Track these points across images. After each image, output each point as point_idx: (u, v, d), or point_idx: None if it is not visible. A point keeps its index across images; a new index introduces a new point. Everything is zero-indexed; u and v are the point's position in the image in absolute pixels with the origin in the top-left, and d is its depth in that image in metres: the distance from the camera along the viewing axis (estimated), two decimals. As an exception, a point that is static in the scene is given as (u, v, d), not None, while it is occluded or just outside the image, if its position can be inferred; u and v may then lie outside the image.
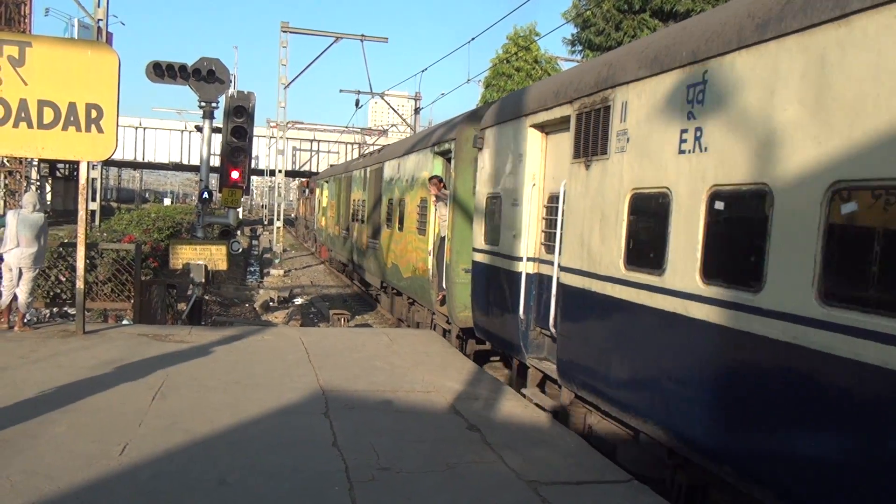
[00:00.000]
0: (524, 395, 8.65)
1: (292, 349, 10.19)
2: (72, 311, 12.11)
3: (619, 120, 6.77)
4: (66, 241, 13.19)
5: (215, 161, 15.01)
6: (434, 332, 12.59)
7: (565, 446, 6.69)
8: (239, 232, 27.95)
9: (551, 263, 8.15)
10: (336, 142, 63.15)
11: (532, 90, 9.32)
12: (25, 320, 10.54)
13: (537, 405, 8.14)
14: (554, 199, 8.37)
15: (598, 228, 7.05)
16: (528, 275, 8.86)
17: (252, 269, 33.41)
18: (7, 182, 49.97)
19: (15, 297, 10.29)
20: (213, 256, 13.08)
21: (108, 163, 52.86)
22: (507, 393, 8.51)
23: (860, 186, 4.22)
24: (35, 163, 52.09)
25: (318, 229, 35.13)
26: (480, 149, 10.51)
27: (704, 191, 5.49)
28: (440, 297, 12.38)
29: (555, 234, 8.09)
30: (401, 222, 15.75)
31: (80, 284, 10.30)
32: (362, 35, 32.83)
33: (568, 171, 7.73)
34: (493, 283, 9.84)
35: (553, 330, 8.08)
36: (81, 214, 10.34)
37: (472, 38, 22.66)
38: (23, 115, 9.60)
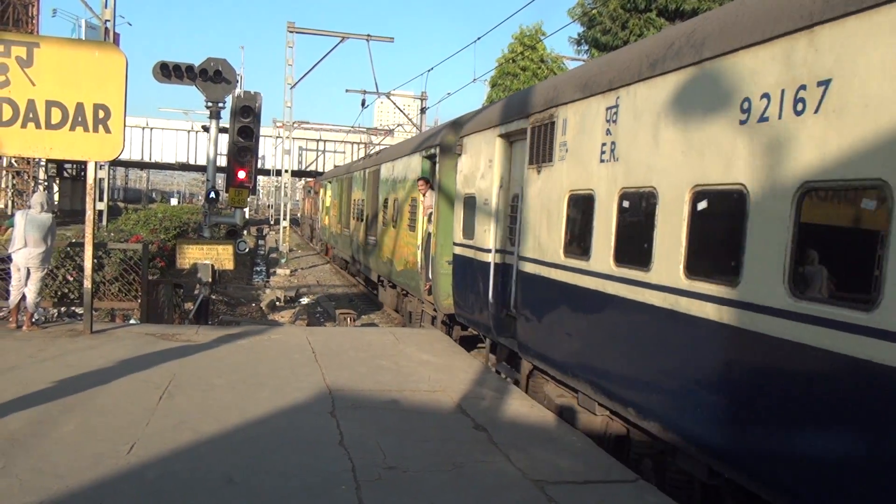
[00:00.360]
0: (498, 372, 9.95)
1: (299, 348, 10.21)
2: (79, 310, 12.15)
3: (560, 133, 8.07)
4: (73, 240, 13.25)
5: (222, 161, 15.05)
6: (439, 332, 12.61)
7: (571, 446, 6.68)
8: (245, 232, 28.06)
9: (513, 254, 9.36)
10: (342, 142, 63.21)
11: (500, 106, 10.63)
12: (34, 320, 10.58)
13: (524, 387, 9.17)
14: (516, 198, 9.54)
15: (545, 223, 8.34)
16: (496, 264, 10.01)
17: (258, 268, 33.49)
18: (15, 182, 50.25)
19: (23, 297, 10.33)
20: (220, 256, 13.12)
21: (115, 163, 53.11)
22: (514, 392, 8.51)
23: (710, 191, 5.56)
24: (43, 163, 52.32)
25: (322, 228, 36.60)
26: (459, 154, 11.74)
27: (616, 192, 6.81)
28: (427, 286, 13.63)
29: (515, 228, 9.32)
30: (395, 220, 17.03)
31: (87, 284, 10.34)
32: (368, 35, 32.87)
33: (525, 175, 9.01)
34: (469, 272, 11.05)
35: (514, 311, 9.29)
36: (89, 214, 10.38)
37: (478, 38, 22.72)
38: (31, 115, 9.64)
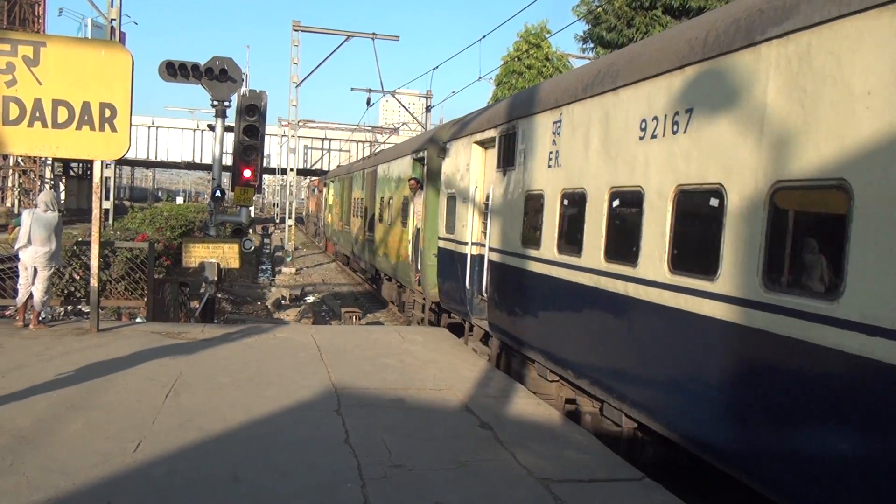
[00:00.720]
0: (474, 350, 11.21)
1: (304, 347, 10.23)
2: (86, 308, 12.20)
3: (520, 142, 9.52)
4: (80, 239, 13.28)
5: (227, 160, 15.07)
6: (445, 330, 12.62)
7: (577, 444, 6.68)
8: (251, 230, 28.12)
9: (485, 245, 10.89)
10: (347, 140, 63.25)
11: (476, 116, 12.12)
12: (40, 318, 10.62)
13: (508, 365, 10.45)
14: (488, 197, 10.83)
15: (509, 218, 9.82)
16: (472, 255, 11.46)
17: (264, 267, 33.55)
18: (21, 181, 50.47)
19: (31, 296, 10.37)
20: (226, 255, 13.14)
21: (121, 162, 53.26)
22: (519, 391, 8.51)
23: (621, 191, 7.04)
24: (49, 162, 52.52)
25: (325, 225, 38.24)
26: (443, 158, 13.21)
27: (559, 192, 8.27)
28: (417, 278, 15.19)
29: (487, 223, 10.81)
30: (390, 217, 18.64)
31: (94, 282, 10.38)
32: (373, 33, 32.89)
33: (494, 177, 10.43)
34: (451, 263, 12.55)
35: (485, 295, 10.89)
36: (95, 213, 10.42)
37: (484, 36, 22.61)
38: (37, 114, 9.67)
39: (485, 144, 11.20)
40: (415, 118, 40.17)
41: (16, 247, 10.29)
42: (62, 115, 9.73)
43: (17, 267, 10.53)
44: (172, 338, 10.33)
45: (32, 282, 10.28)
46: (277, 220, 73.25)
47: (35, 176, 51.28)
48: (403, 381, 8.60)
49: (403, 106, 39.84)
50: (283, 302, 21.82)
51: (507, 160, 9.98)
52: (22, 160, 49.19)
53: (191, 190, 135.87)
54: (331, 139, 65.66)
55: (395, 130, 54.07)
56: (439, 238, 13.32)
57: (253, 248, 16.09)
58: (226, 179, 23.53)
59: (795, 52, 4.91)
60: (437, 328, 13.23)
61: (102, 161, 10.56)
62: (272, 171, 65.11)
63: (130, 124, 10.07)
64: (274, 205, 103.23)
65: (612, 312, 7.08)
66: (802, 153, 4.78)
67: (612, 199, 7.14)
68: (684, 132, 6.02)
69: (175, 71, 13.36)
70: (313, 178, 57.36)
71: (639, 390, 6.64)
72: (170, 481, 5.27)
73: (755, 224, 5.11)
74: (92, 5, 21.65)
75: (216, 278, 13.16)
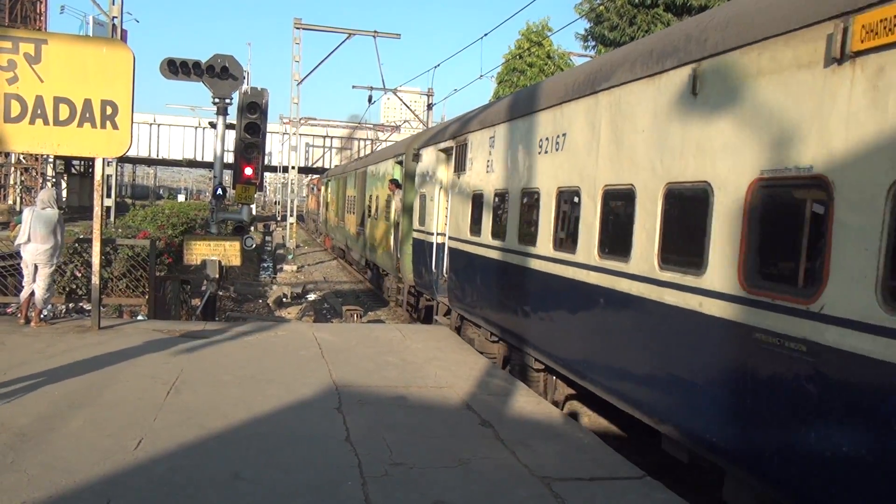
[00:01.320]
0: (436, 321, 13.96)
1: (305, 345, 10.23)
2: (87, 306, 12.20)
3: (469, 152, 11.76)
4: (81, 236, 13.29)
5: (229, 157, 15.07)
6: (446, 329, 12.62)
7: (578, 442, 6.68)
8: (252, 228, 28.18)
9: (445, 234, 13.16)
10: (349, 138, 63.22)
11: (441, 128, 14.83)
12: (42, 316, 10.63)
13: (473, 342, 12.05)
14: (448, 194, 13.14)
15: (461, 212, 11.99)
16: (437, 244, 13.67)
17: (265, 265, 33.55)
18: (23, 178, 50.49)
19: (33, 293, 10.38)
20: (227, 252, 13.14)
21: (122, 159, 53.23)
22: (520, 389, 8.51)
23: (529, 191, 9.17)
24: (51, 159, 52.54)
25: (323, 221, 40.99)
26: (417, 162, 15.50)
27: (492, 192, 10.50)
28: (397, 265, 17.71)
29: (447, 216, 13.06)
30: (376, 213, 21.34)
31: (95, 280, 10.38)
32: (375, 31, 32.85)
33: (452, 179, 12.75)
34: (422, 251, 14.85)
35: (446, 276, 12.97)
36: (97, 211, 10.42)
37: (485, 34, 22.60)
38: (39, 111, 9.66)
39: (446, 152, 13.35)
40: (416, 116, 40.15)
41: (16, 243, 10.31)
42: (64, 112, 9.73)
43: (19, 264, 10.53)
44: (174, 335, 10.33)
45: (34, 279, 10.29)
46: (279, 218, 73.24)
47: (37, 174, 51.32)
48: (404, 379, 8.61)
49: (405, 104, 39.82)
50: (284, 300, 21.83)
51: (460, 165, 12.29)
52: (24, 158, 49.21)
53: (192, 188, 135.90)
54: (332, 137, 65.64)
55: (396, 128, 54.04)
56: (413, 230, 15.67)
57: (254, 245, 16.22)
58: (227, 177, 23.52)
59: (614, 100, 7.18)
60: (439, 326, 13.24)
61: (104, 159, 10.56)
62: (274, 169, 65.05)
63: (132, 122, 10.07)
64: (275, 203, 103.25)
65: (522, 281, 9.35)
66: (615, 167, 7.12)
67: (522, 197, 9.44)
68: (562, 150, 8.33)
69: (176, 68, 13.35)
70: (313, 176, 57.43)
71: (537, 337, 9.00)
72: (171, 479, 5.28)
73: (596, 214, 7.41)
74: (93, 3, 21.66)
75: (217, 276, 13.17)
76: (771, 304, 4.94)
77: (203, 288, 13.34)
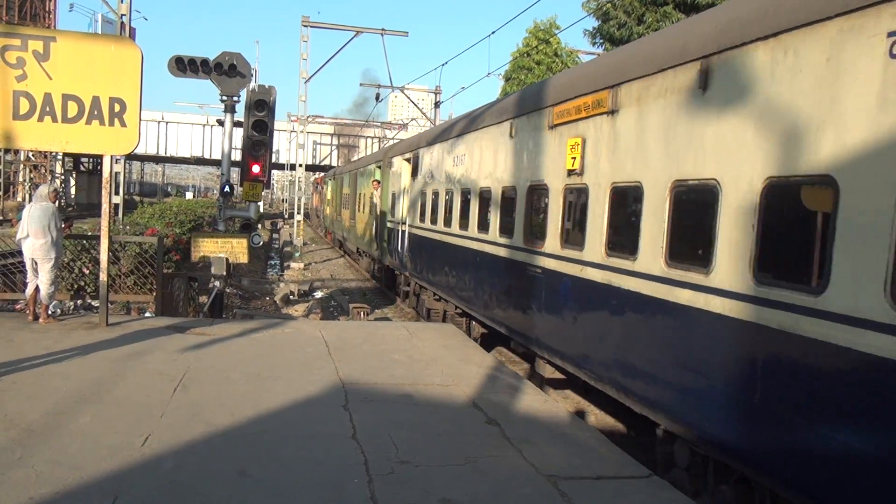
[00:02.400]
0: (401, 292, 19.54)
1: (312, 342, 10.24)
2: (95, 303, 12.24)
3: (421, 162, 16.10)
4: (89, 233, 13.32)
5: (237, 155, 15.09)
6: (453, 327, 12.62)
7: (584, 441, 6.66)
8: (259, 225, 28.25)
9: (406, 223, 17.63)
10: (356, 136, 63.27)
11: (406, 141, 19.72)
12: (50, 312, 10.67)
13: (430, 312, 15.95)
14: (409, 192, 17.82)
15: (416, 206, 16.44)
16: (401, 230, 18.10)
17: (272, 262, 33.61)
18: (32, 176, 50.72)
19: (38, 289, 10.41)
20: (234, 250, 13.16)
21: (130, 157, 53.44)
22: (527, 387, 8.50)
23: (451, 190, 13.55)
24: (59, 157, 52.76)
25: (324, 217, 45.73)
26: (391, 167, 20.06)
27: (430, 190, 14.79)
28: (377, 250, 22.42)
29: (408, 209, 17.46)
30: (363, 208, 25.84)
31: (103, 277, 10.41)
32: (382, 29, 32.86)
33: (410, 182, 17.24)
34: (394, 237, 19.26)
35: (407, 254, 17.32)
36: (105, 208, 10.44)
37: (493, 32, 22.63)
38: (47, 109, 9.69)
39: (408, 160, 17.69)
40: (424, 114, 40.13)
41: (17, 239, 10.37)
42: (72, 109, 9.75)
43: (23, 261, 10.60)
44: (181, 332, 10.36)
45: (35, 274, 10.33)
46: (286, 216, 73.37)
47: (45, 171, 51.56)
48: (411, 376, 8.60)
49: (412, 102, 39.81)
50: (291, 297, 21.86)
51: (415, 172, 16.84)
52: (32, 155, 49.45)
53: (200, 185, 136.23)
54: (340, 135, 65.68)
55: (404, 126, 54.04)
56: (388, 221, 20.23)
57: (261, 243, 16.38)
58: (235, 175, 23.56)
59: (517, 126, 10.20)
60: (446, 324, 13.23)
61: (112, 156, 10.59)
62: (281, 167, 65.21)
63: (140, 119, 10.09)
64: (283, 200, 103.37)
65: (457, 256, 12.91)
66: (477, 172, 11.91)
67: (446, 193, 13.77)
68: (462, 164, 12.81)
69: (184, 66, 13.38)
70: (317, 175, 57.92)
71: (456, 291, 13.06)
72: (177, 476, 5.29)
73: (522, 204, 9.79)
74: (102, 1, 21.71)
75: (225, 273, 13.19)
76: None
77: (210, 285, 13.37)
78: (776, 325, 4.98)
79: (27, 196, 49.53)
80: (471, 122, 12.49)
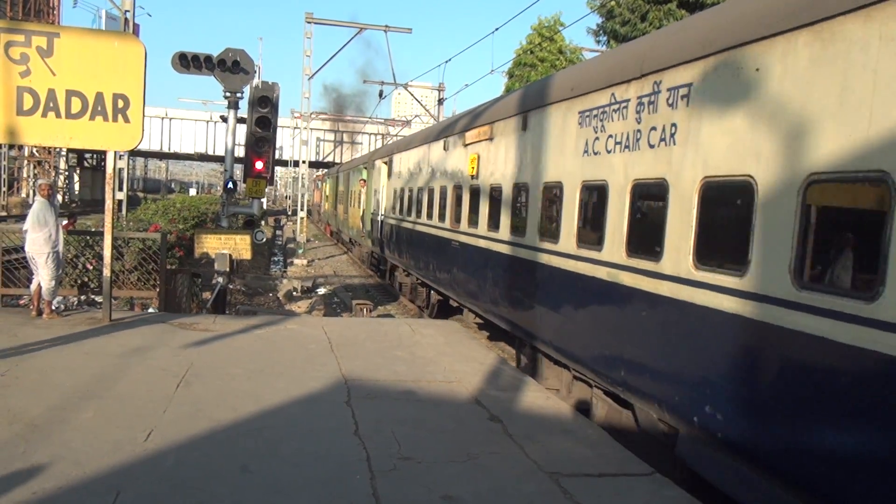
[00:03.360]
0: (380, 271, 25.62)
1: (315, 338, 10.25)
2: (99, 298, 12.26)
3: (395, 167, 20.13)
4: (93, 229, 13.33)
5: (240, 152, 15.10)
6: (456, 323, 12.61)
7: (586, 438, 6.66)
8: (263, 222, 28.37)
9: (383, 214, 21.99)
10: (360, 132, 63.26)
11: (385, 147, 26.48)
12: (53, 307, 10.69)
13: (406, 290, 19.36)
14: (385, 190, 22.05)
15: (390, 201, 20.51)
16: (380, 220, 22.15)
17: (276, 258, 33.63)
18: (36, 171, 50.79)
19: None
20: (238, 246, 13.17)
21: (134, 153, 53.43)
22: (529, 384, 8.50)
23: (414, 189, 17.55)
24: (63, 153, 52.83)
25: (323, 212, 50.25)
26: (371, 168, 24.39)
27: (400, 189, 19.14)
28: (363, 238, 26.75)
29: (385, 203, 21.66)
30: (353, 203, 29.96)
31: (106, 273, 10.43)
32: (386, 26, 32.83)
33: (387, 181, 21.23)
34: (374, 226, 23.37)
35: (384, 240, 21.32)
36: (108, 204, 10.45)
37: (497, 29, 22.59)
38: (51, 104, 9.70)
39: (386, 163, 21.88)
40: (427, 111, 40.09)
41: (23, 229, 10.39)
42: (76, 105, 9.76)
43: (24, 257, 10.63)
44: (184, 328, 10.37)
45: (36, 269, 10.35)
46: (289, 212, 73.40)
47: (50, 167, 51.64)
48: (413, 373, 8.61)
49: (416, 98, 39.78)
50: (294, 293, 21.87)
51: (389, 173, 21.13)
52: (37, 151, 49.52)
53: (204, 181, 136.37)
54: (343, 131, 65.64)
55: (407, 123, 54.02)
56: (370, 213, 24.40)
57: (265, 239, 16.52)
58: (238, 171, 23.57)
59: (449, 143, 13.91)
60: (449, 321, 13.23)
61: (116, 152, 10.60)
62: (284, 164, 65.19)
63: (143, 115, 10.09)
64: (286, 197, 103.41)
65: (413, 239, 16.68)
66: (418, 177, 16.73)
67: (411, 192, 17.24)
68: (416, 168, 16.82)
69: (188, 62, 13.39)
70: (317, 173, 58.40)
71: (416, 265, 16.58)
72: (180, 471, 5.30)
73: (450, 199, 12.81)
74: (106, -3, 21.65)
75: (228, 269, 13.20)
76: None
77: (213, 281, 13.39)
78: (605, 276, 7.40)
79: (31, 192, 49.64)
80: (423, 138, 17.10)
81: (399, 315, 18.64)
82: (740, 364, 5.36)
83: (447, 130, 14.45)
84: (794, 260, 4.85)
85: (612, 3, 26.07)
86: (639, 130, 6.88)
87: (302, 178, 40.77)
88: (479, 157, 12.00)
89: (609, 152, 7.47)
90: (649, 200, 6.98)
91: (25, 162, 51.65)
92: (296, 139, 54.74)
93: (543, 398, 7.92)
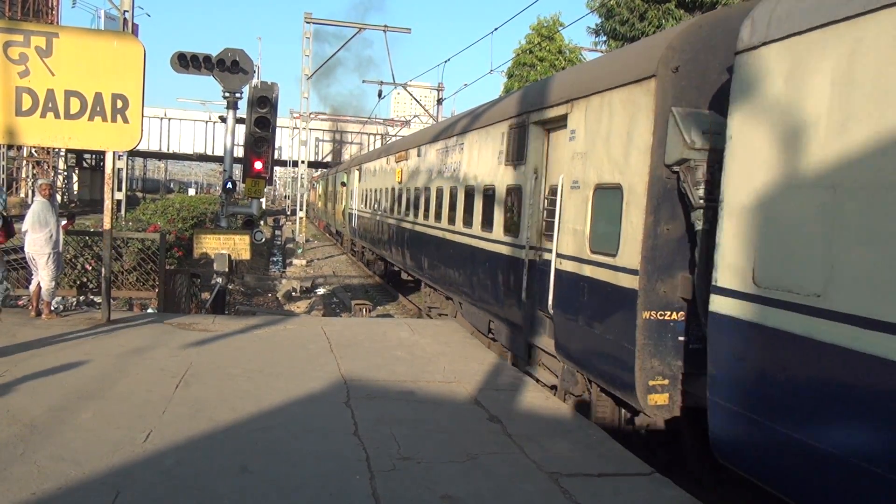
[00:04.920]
0: (355, 252, 32.55)
1: (314, 339, 10.25)
2: (98, 299, 12.26)
3: (362, 174, 27.20)
4: (92, 230, 13.32)
5: (239, 152, 15.08)
6: (455, 324, 12.61)
7: (586, 438, 6.66)
8: (262, 222, 28.51)
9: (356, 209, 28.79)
10: (359, 132, 63.26)
11: (359, 157, 37.17)
12: (52, 308, 10.68)
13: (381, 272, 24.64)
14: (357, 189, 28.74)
15: (362, 197, 26.72)
16: (353, 213, 29.00)
17: (275, 258, 33.65)
18: (35, 172, 50.73)
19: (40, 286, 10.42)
20: (237, 246, 13.16)
21: (133, 153, 53.36)
22: (529, 384, 8.50)
23: (370, 190, 25.51)
24: (62, 153, 52.77)
25: (317, 209, 54.80)
26: (349, 174, 30.43)
27: (365, 189, 26.20)
28: (344, 228, 33.29)
29: (357, 200, 28.55)
30: (338, 201, 35.54)
31: (105, 273, 10.42)
32: (385, 26, 32.83)
33: (360, 182, 27.60)
34: (351, 218, 29.71)
35: (356, 228, 28.58)
36: (107, 204, 10.45)
37: (496, 29, 22.56)
38: (50, 105, 9.69)
39: (358, 170, 27.82)
40: (426, 111, 40.09)
41: (23, 230, 10.37)
42: (74, 105, 9.75)
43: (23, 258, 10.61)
44: (183, 328, 10.37)
45: (37, 270, 10.34)
46: (288, 212, 73.40)
47: (48, 167, 51.58)
48: (413, 373, 8.61)
49: (415, 98, 39.78)
50: (293, 294, 21.89)
51: (360, 177, 26.87)
52: (35, 151, 49.47)
53: (203, 182, 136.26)
54: (342, 132, 65.64)
55: (406, 123, 54.01)
56: (347, 208, 30.72)
57: (264, 239, 16.49)
58: (237, 171, 23.54)
59: (388, 160, 20.98)
60: (448, 321, 13.23)
61: (115, 152, 10.59)
62: (283, 164, 65.17)
63: (142, 115, 10.08)
64: (285, 197, 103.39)
65: (372, 225, 23.23)
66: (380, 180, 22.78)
67: (368, 191, 24.75)
68: (371, 175, 24.53)
69: (187, 62, 13.36)
70: (315, 174, 58.99)
71: (376, 246, 22.95)
72: (179, 471, 5.30)
73: (389, 196, 20.56)
74: (105, -3, 21.63)
75: (227, 270, 13.19)
76: None
77: (213, 281, 13.38)
78: (445, 236, 13.54)
79: (29, 192, 49.59)
80: (377, 154, 24.22)
81: (398, 315, 18.64)
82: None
83: (387, 152, 21.98)
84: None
85: (612, 2, 26.05)
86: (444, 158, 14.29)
87: (301, 178, 40.77)
88: (402, 171, 18.49)
89: (446, 170, 13.98)
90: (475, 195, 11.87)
91: (24, 162, 51.59)
92: (295, 139, 54.74)
93: (543, 398, 7.93)
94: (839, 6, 4.50)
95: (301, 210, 38.32)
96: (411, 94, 39.35)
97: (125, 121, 9.91)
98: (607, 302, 7.21)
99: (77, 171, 62.20)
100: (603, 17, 27.34)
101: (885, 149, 4.11)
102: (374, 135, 61.44)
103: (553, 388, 8.79)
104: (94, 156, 60.47)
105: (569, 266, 8.03)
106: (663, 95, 6.44)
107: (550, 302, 8.44)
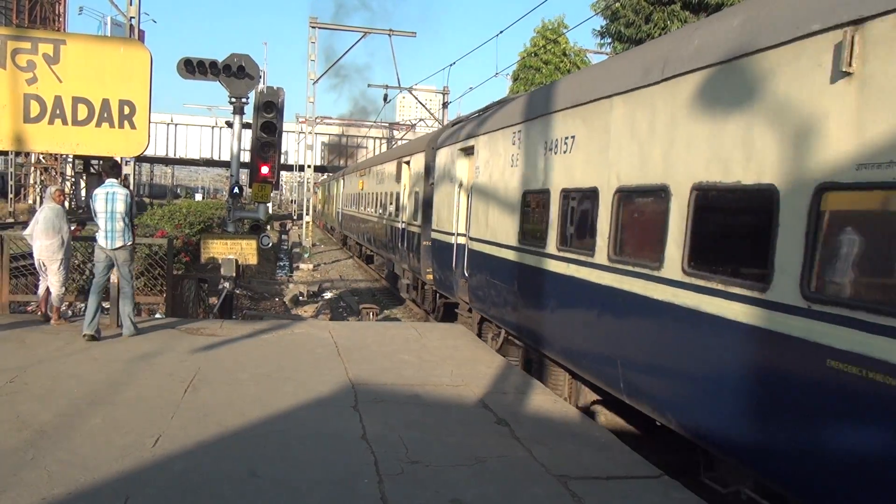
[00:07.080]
0: (342, 243, 42.45)
1: (322, 343, 10.26)
2: (106, 304, 12.29)
3: (346, 179, 38.42)
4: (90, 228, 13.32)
5: (245, 156, 15.12)
6: (463, 327, 12.61)
7: (594, 441, 6.64)
8: (269, 226, 28.69)
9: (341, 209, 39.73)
10: (364, 136, 63.39)
11: (350, 167, 42.17)
12: (61, 313, 10.72)
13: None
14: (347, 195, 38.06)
15: (346, 199, 37.08)
16: (341, 212, 40.01)
17: (281, 263, 33.72)
18: (43, 178, 50.96)
19: (49, 291, 10.46)
20: (244, 251, 13.19)
21: (140, 159, 53.53)
22: (536, 387, 8.48)
23: (352, 194, 35.24)
24: (70, 159, 52.94)
25: (318, 211, 59.14)
26: (337, 182, 43.63)
27: (350, 193, 35.10)
28: (337, 224, 43.22)
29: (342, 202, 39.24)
30: (334, 203, 43.16)
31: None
32: (390, 30, 32.93)
33: (343, 189, 39.47)
34: (339, 216, 41.46)
35: (342, 223, 39.47)
36: (115, 209, 10.44)
37: (501, 32, 22.63)
38: (58, 111, 9.76)
39: (343, 178, 39.58)
40: (432, 114, 40.14)
41: (24, 234, 10.40)
42: (82, 112, 9.82)
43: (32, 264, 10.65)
44: (191, 333, 10.40)
45: (45, 276, 10.37)
46: (295, 217, 73.57)
47: (56, 173, 51.80)
48: (420, 377, 8.60)
49: (420, 102, 39.83)
50: (300, 298, 21.91)
51: (345, 184, 37.77)
52: (43, 157, 49.69)
53: (209, 187, 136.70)
54: (348, 136, 65.79)
55: (412, 127, 54.08)
56: (337, 209, 40.67)
57: (271, 244, 16.45)
58: (244, 176, 23.66)
59: (360, 175, 30.91)
60: (456, 325, 13.23)
61: (122, 158, 10.63)
62: (290, 168, 65.37)
63: (150, 121, 10.14)
64: (291, 201, 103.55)
65: (355, 221, 31.81)
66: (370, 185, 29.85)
67: (352, 195, 33.75)
68: (350, 182, 36.01)
69: (193, 68, 13.39)
70: (317, 180, 60.39)
71: (361, 237, 30.26)
72: (188, 476, 5.30)
73: (360, 199, 31.37)
74: (111, 4, 21.79)
75: (234, 274, 13.22)
76: None
77: (220, 286, 13.41)
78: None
79: (38, 199, 49.79)
80: (353, 169, 33.08)
81: (405, 319, 18.65)
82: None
83: (357, 168, 30.45)
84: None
85: (617, 4, 26.04)
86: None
87: (307, 182, 40.91)
88: (363, 182, 26.92)
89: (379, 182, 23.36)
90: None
91: (32, 168, 51.82)
92: (301, 144, 54.90)
93: (551, 401, 7.91)
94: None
95: (307, 214, 38.40)
96: (416, 98, 39.43)
97: (132, 127, 9.97)
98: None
99: (84, 178, 62.43)
100: (608, 19, 27.34)
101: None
102: (380, 138, 61.58)
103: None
104: (101, 162, 60.72)
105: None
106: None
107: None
